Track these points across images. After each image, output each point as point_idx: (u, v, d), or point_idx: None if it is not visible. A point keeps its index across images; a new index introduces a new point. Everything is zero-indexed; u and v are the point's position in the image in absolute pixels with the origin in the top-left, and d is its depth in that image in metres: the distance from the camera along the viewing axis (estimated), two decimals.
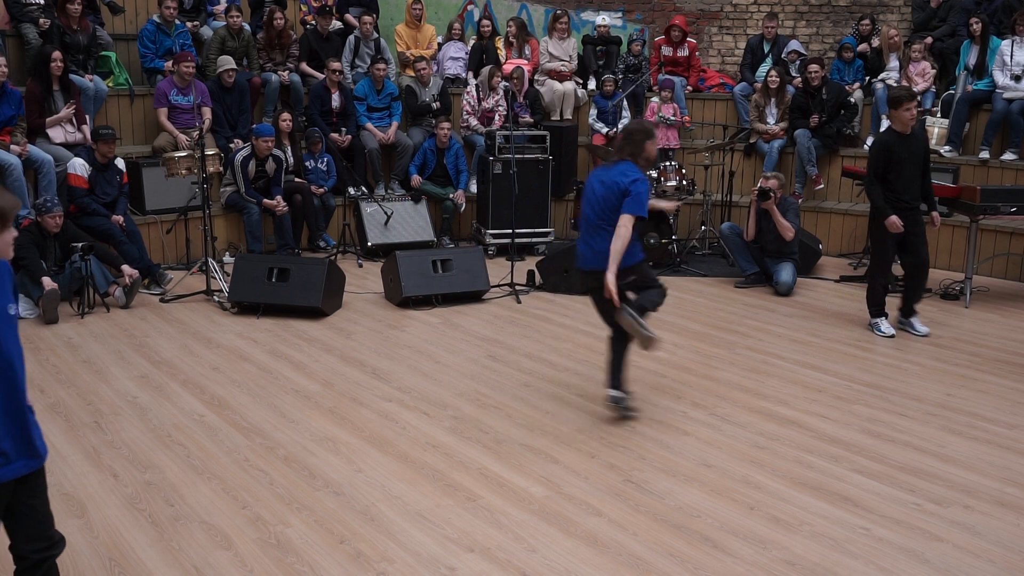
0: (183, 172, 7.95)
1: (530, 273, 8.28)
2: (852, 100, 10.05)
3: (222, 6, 10.21)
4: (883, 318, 7.00)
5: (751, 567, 3.76)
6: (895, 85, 10.16)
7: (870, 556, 3.86)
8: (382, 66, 9.89)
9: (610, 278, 4.90)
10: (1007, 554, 3.90)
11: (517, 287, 7.96)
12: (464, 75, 10.86)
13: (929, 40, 10.25)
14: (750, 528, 4.07)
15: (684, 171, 9.34)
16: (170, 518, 4.08)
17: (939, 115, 9.79)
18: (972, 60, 9.72)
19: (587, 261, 5.16)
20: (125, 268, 7.39)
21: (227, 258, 8.64)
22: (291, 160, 9.19)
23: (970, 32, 9.76)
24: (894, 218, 6.67)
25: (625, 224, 4.94)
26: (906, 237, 6.77)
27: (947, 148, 9.54)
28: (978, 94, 9.62)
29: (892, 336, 6.90)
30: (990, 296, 8.07)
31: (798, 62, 10.47)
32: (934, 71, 10.04)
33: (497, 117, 10.14)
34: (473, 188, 9.94)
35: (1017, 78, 9.24)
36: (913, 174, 6.73)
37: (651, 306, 5.22)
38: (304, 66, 10.21)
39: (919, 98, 6.71)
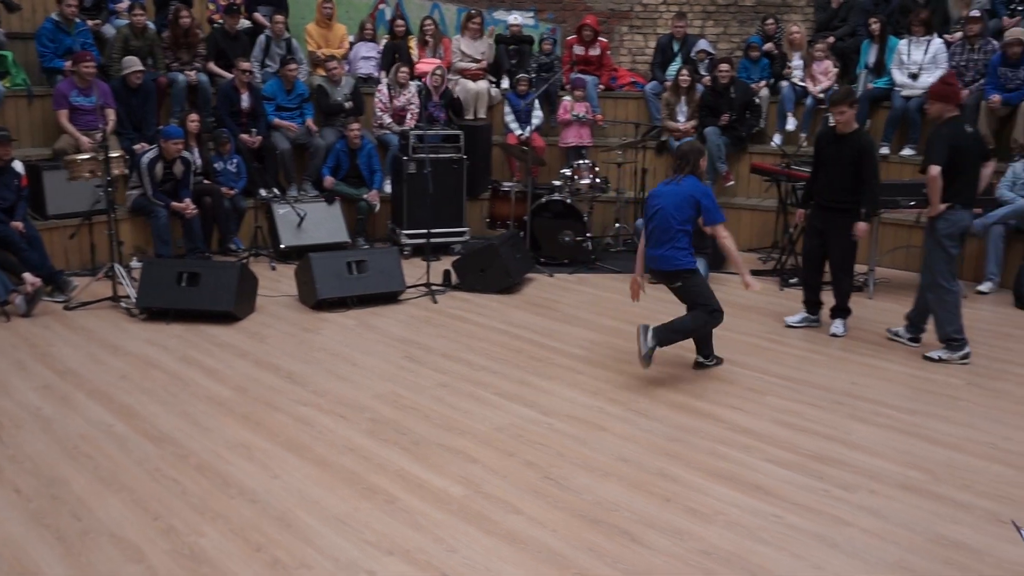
0: (86, 175, 7.71)
1: (446, 273, 8.27)
2: (757, 100, 10.29)
3: (125, 4, 9.93)
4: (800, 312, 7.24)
5: (668, 558, 3.82)
6: (800, 84, 10.46)
7: (782, 543, 3.95)
8: (293, 66, 9.75)
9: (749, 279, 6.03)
10: (911, 535, 4.04)
11: (433, 287, 7.94)
12: (377, 75, 10.78)
13: (831, 39, 10.56)
14: (667, 520, 4.13)
15: (597, 169, 9.44)
16: (78, 533, 3.95)
17: None
18: (871, 59, 10.04)
19: (665, 263, 5.93)
20: (27, 276, 7.11)
21: (134, 263, 8.39)
22: (199, 162, 9.00)
23: (869, 32, 10.08)
24: (799, 211, 7.03)
25: (722, 232, 5.93)
26: (824, 236, 6.84)
27: None
28: (878, 92, 9.95)
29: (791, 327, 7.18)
30: (891, 287, 8.36)
31: (706, 61, 10.68)
32: (836, 70, 10.34)
33: (409, 116, 10.10)
34: (387, 188, 9.88)
35: (914, 76, 9.58)
36: (837, 175, 6.70)
37: (680, 332, 5.88)
38: (212, 66, 10.00)
39: (852, 96, 6.80)
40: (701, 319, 5.91)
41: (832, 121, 6.87)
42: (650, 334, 5.70)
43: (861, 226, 6.65)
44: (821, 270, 7.06)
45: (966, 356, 6.37)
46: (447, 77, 10.43)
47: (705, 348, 6.19)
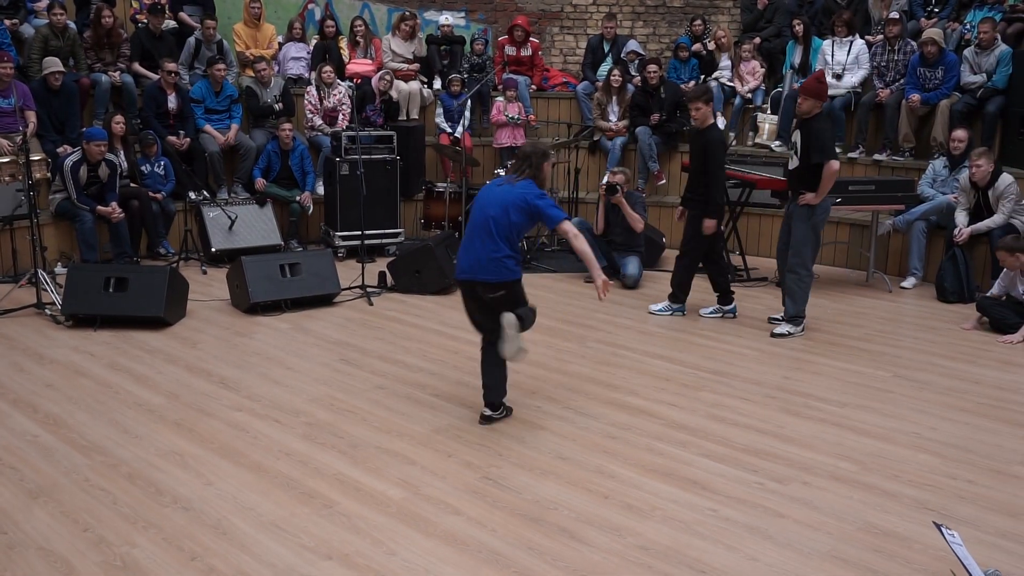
0: (6, 179, 7.52)
1: (381, 274, 8.22)
2: (685, 100, 10.42)
3: (44, 3, 9.67)
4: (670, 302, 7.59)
5: (607, 555, 3.85)
6: (728, 84, 10.63)
7: (718, 536, 4.02)
8: (221, 67, 9.60)
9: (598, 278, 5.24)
10: (842, 525, 4.13)
11: (368, 289, 7.89)
12: (307, 75, 10.68)
13: (757, 40, 10.75)
14: (605, 517, 4.17)
15: None
16: (3, 547, 3.83)
17: (769, 111, 10.28)
18: (797, 59, 10.25)
19: (485, 271, 5.04)
20: None
21: (59, 269, 8.17)
22: (125, 165, 8.81)
23: (793, 33, 10.29)
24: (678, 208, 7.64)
25: (570, 229, 5.11)
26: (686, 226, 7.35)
27: (777, 143, 10.03)
28: None
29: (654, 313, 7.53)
30: (821, 283, 8.53)
31: (637, 62, 10.78)
32: (763, 70, 10.54)
33: (341, 117, 10.02)
34: (320, 190, 9.78)
35: (838, 76, 9.80)
36: (694, 169, 7.33)
37: (528, 322, 5.22)
38: (136, 66, 9.80)
39: (709, 93, 7.29)
40: (530, 313, 5.22)
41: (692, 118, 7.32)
42: (508, 342, 5.06)
43: (707, 223, 7.14)
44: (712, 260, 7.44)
45: (803, 329, 6.97)
46: (380, 82, 10.38)
47: (498, 394, 5.29)
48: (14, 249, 7.89)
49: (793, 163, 6.87)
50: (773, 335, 6.90)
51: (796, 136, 6.83)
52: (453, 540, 3.95)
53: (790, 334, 6.89)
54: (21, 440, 4.89)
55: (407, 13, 11.11)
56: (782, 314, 7.05)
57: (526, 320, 5.15)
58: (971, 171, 7.90)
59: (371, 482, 4.48)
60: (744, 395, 5.73)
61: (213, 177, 9.56)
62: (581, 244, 5.14)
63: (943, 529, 3.18)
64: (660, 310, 7.49)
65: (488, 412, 5.25)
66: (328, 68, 10.01)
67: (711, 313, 7.45)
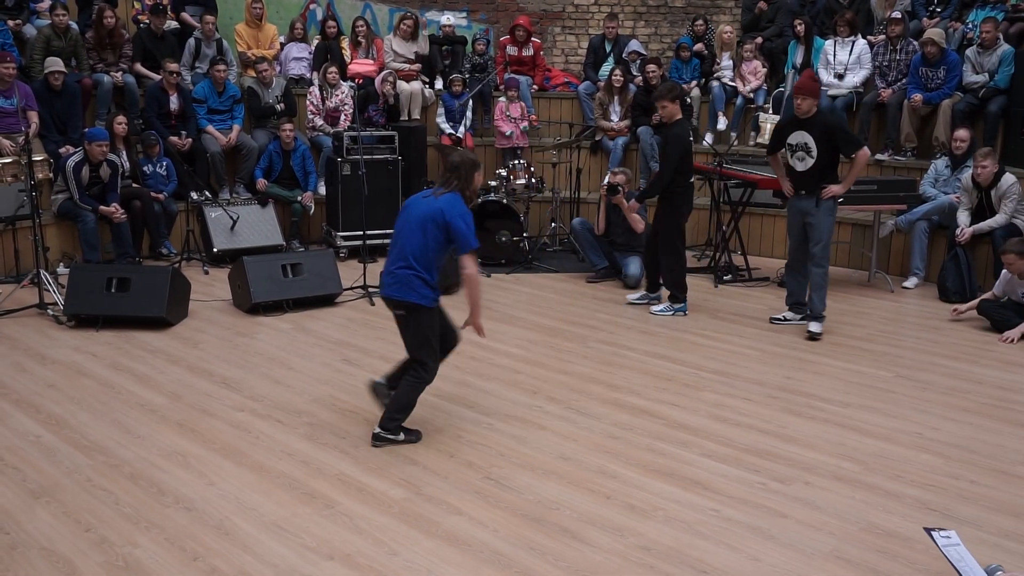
0: (8, 179, 7.54)
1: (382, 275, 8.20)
2: (688, 100, 10.42)
3: (46, 4, 9.69)
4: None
5: (609, 555, 3.85)
6: (730, 84, 10.63)
7: (720, 536, 4.01)
8: (222, 67, 9.61)
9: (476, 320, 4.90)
10: (844, 525, 4.13)
11: (370, 289, 7.89)
12: (308, 75, 10.68)
13: (759, 40, 10.74)
14: (607, 517, 4.17)
15: (532, 169, 9.48)
16: (5, 547, 3.83)
17: (771, 111, 10.27)
18: (799, 59, 10.24)
19: (393, 288, 4.85)
20: None
21: (61, 269, 8.19)
22: (127, 165, 8.82)
23: (795, 33, 10.28)
24: (633, 203, 7.86)
25: (470, 265, 4.75)
26: (656, 220, 7.54)
27: None
28: None
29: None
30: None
31: (638, 62, 10.77)
32: (765, 70, 10.53)
33: (343, 117, 10.02)
34: (321, 190, 9.79)
35: (840, 76, 9.79)
36: (661, 162, 7.43)
37: (403, 411, 4.88)
38: (138, 67, 9.81)
39: (676, 91, 7.38)
40: (412, 385, 4.88)
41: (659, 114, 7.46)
42: (377, 430, 4.88)
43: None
44: (657, 252, 7.61)
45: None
46: (384, 82, 10.38)
47: (397, 415, 4.92)
48: (16, 249, 7.90)
49: (805, 164, 6.79)
50: (809, 333, 6.85)
51: (801, 136, 6.78)
52: (455, 540, 3.95)
53: (821, 333, 6.87)
54: (23, 440, 4.90)
55: (407, 13, 11.11)
56: (802, 312, 7.09)
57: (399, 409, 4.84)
58: (976, 172, 7.89)
59: (373, 482, 4.48)
60: (746, 395, 5.73)
61: (215, 177, 9.57)
62: (472, 288, 4.79)
63: (934, 533, 3.18)
64: (661, 311, 7.49)
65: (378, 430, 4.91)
66: (333, 69, 10.02)
67: (639, 299, 7.77)
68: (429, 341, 4.87)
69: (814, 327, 6.88)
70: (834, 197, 6.79)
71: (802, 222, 6.95)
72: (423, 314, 4.81)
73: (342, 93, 10.05)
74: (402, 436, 4.94)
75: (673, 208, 7.38)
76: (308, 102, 10.03)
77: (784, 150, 6.98)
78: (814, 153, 6.74)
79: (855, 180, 6.90)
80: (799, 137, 6.81)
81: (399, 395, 4.91)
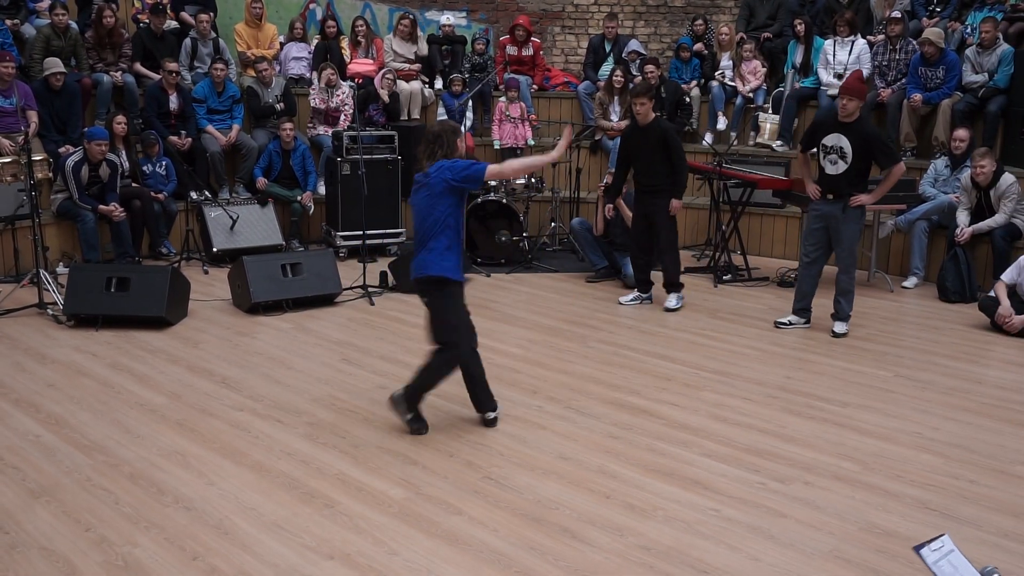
0: (8, 179, 7.53)
1: (382, 274, 8.21)
2: (688, 99, 10.43)
3: (45, 3, 9.69)
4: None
5: (609, 554, 3.85)
6: (730, 83, 10.62)
7: (720, 536, 4.01)
8: (221, 67, 9.61)
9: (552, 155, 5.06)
10: (844, 525, 4.13)
11: (370, 289, 7.89)
12: (308, 75, 10.68)
13: (762, 38, 10.73)
14: (607, 517, 4.17)
15: None
16: (5, 547, 3.83)
17: (770, 111, 10.28)
18: (798, 59, 10.24)
19: (415, 268, 4.91)
20: None
21: (60, 268, 8.19)
22: (127, 164, 8.82)
23: (795, 33, 10.28)
24: (608, 206, 7.91)
25: (492, 168, 4.80)
26: (649, 218, 7.51)
27: (779, 143, 10.03)
28: (805, 91, 10.15)
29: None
30: (822, 282, 8.50)
31: (638, 61, 10.77)
32: (764, 69, 10.53)
33: (343, 117, 10.03)
34: (321, 190, 9.79)
35: (839, 76, 9.79)
36: (649, 162, 7.42)
37: (423, 388, 4.98)
38: (138, 66, 9.81)
39: (652, 92, 7.50)
40: (438, 365, 4.96)
41: (636, 112, 7.46)
42: (401, 404, 5.02)
43: (675, 203, 7.43)
44: (650, 251, 7.67)
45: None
46: (383, 82, 10.39)
47: (414, 396, 5.04)
48: (16, 249, 7.89)
49: (837, 168, 6.65)
50: (835, 333, 6.92)
51: (837, 139, 6.62)
52: (455, 540, 3.95)
53: (847, 333, 6.94)
54: (23, 440, 4.90)
55: (406, 13, 11.11)
56: (806, 318, 7.16)
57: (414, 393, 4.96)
58: (974, 172, 7.89)
59: (373, 482, 4.48)
60: (746, 395, 5.73)
61: (214, 177, 9.57)
62: (514, 163, 5.19)
63: (923, 551, 3.16)
64: (675, 305, 7.56)
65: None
66: (330, 70, 10.02)
67: (631, 301, 7.74)
68: (454, 323, 4.93)
69: (839, 327, 6.94)
70: (862, 206, 6.71)
71: (823, 227, 6.81)
72: (448, 288, 4.86)
73: (343, 93, 10.05)
74: (410, 417, 5.01)
75: (667, 202, 7.44)
76: (312, 107, 10.07)
77: (817, 150, 6.82)
78: (849, 158, 6.59)
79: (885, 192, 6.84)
80: (836, 140, 6.64)
81: (425, 369, 4.98)
